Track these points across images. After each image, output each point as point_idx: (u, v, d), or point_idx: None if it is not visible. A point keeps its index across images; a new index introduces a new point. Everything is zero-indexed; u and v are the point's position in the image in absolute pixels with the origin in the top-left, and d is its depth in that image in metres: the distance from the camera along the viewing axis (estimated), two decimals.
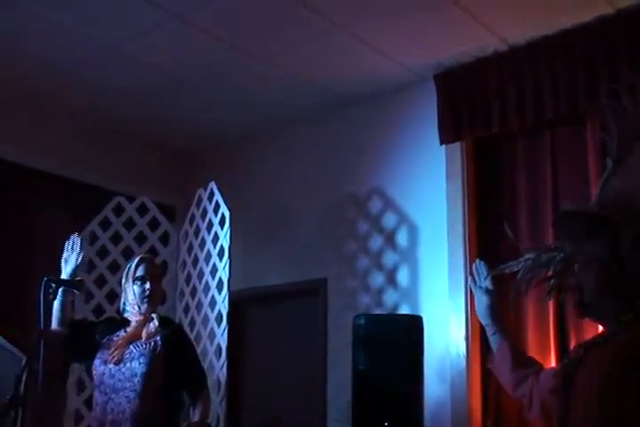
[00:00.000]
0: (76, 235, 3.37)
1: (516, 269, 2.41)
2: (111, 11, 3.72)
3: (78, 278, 3.32)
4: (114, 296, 3.45)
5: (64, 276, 3.26)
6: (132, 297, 3.32)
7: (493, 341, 2.29)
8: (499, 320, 2.32)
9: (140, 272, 3.33)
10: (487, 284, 2.34)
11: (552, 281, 2.22)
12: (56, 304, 3.24)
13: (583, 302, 1.94)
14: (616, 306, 1.89)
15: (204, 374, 3.40)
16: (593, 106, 3.55)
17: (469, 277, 2.41)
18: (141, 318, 3.30)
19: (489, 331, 2.31)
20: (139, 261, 3.38)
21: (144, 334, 3.24)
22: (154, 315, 3.31)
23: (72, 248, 3.34)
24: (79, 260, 3.31)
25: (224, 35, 3.93)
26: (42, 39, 3.99)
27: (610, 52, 3.61)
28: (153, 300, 3.33)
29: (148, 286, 3.30)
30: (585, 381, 1.80)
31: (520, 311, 3.76)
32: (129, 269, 3.38)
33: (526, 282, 2.29)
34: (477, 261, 2.42)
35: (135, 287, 3.31)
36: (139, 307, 3.31)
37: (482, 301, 2.33)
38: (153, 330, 3.25)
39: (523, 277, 2.29)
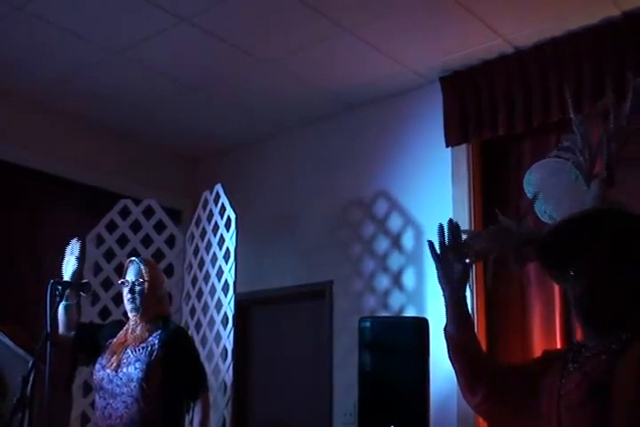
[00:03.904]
0: (75, 239, 3.39)
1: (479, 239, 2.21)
2: (116, 15, 3.73)
3: (85, 281, 3.35)
4: (120, 299, 3.47)
5: (65, 279, 3.28)
6: (127, 301, 3.34)
7: (453, 312, 2.09)
8: (464, 293, 2.09)
9: (130, 276, 3.35)
10: (461, 251, 2.05)
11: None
12: (60, 307, 3.26)
13: (598, 310, 1.85)
14: (620, 316, 1.84)
15: (204, 376, 3.39)
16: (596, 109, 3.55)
17: (428, 242, 2.09)
18: (138, 321, 3.32)
19: (449, 301, 2.09)
20: (128, 264, 3.40)
21: (140, 338, 3.25)
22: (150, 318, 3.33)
23: (72, 252, 3.37)
24: (78, 264, 3.33)
25: (229, 38, 3.93)
26: (49, 44, 4.00)
27: (616, 55, 3.60)
28: (146, 303, 3.33)
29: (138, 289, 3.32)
30: (623, 391, 1.73)
31: (525, 296, 3.78)
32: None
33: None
34: (450, 220, 2.07)
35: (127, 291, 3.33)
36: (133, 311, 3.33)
37: (452, 269, 2.05)
38: (148, 334, 3.26)
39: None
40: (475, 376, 2.04)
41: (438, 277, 2.11)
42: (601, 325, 1.87)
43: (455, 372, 2.09)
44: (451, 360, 2.11)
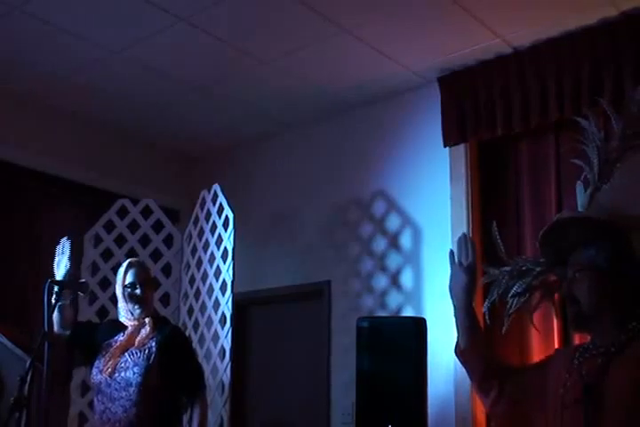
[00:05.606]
0: (65, 238, 3.37)
1: (491, 280, 2.34)
2: (116, 15, 3.73)
3: (82, 280, 3.35)
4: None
5: (58, 279, 3.27)
6: (123, 303, 3.34)
7: (462, 324, 2.13)
8: (472, 303, 2.14)
9: (129, 278, 3.34)
10: (470, 262, 2.13)
11: (531, 294, 2.21)
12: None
13: (580, 315, 1.91)
14: (617, 317, 1.88)
15: (201, 376, 3.39)
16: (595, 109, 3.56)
17: (450, 251, 2.19)
18: (135, 323, 3.32)
19: (459, 313, 2.14)
20: (127, 266, 3.38)
21: (137, 341, 3.25)
22: (147, 319, 3.32)
23: (62, 252, 3.35)
24: (70, 263, 3.31)
25: (229, 38, 3.94)
26: (48, 43, 4.00)
27: (614, 55, 3.61)
28: (145, 305, 3.33)
29: (138, 291, 3.31)
30: (618, 390, 1.77)
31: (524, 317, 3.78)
32: (119, 274, 3.39)
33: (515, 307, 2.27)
34: (463, 235, 2.21)
35: (126, 294, 3.33)
36: (131, 313, 3.32)
37: (460, 279, 2.13)
38: (145, 336, 3.26)
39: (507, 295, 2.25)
40: (486, 379, 2.09)
41: (450, 287, 2.18)
42: (598, 334, 1.93)
43: (468, 375, 2.13)
44: (463, 365, 2.14)
